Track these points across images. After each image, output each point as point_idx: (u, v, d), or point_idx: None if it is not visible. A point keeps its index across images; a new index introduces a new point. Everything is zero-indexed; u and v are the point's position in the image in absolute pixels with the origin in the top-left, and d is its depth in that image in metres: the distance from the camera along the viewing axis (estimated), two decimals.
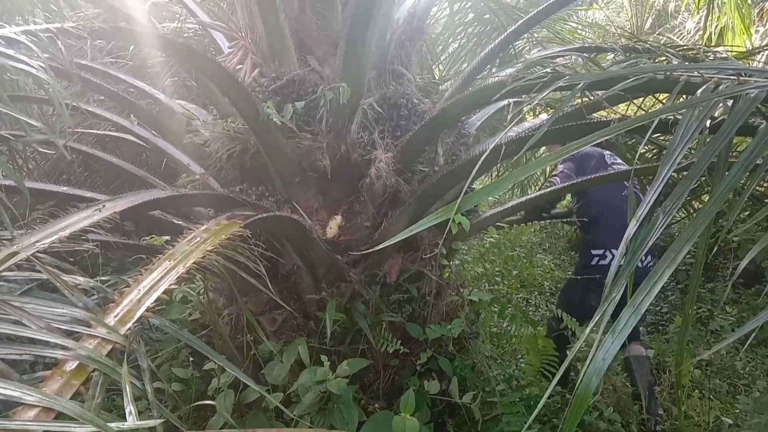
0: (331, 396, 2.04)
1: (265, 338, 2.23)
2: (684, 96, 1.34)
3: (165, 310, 3.08)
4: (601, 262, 3.45)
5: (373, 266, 2.44)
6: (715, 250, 4.44)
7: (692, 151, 1.46)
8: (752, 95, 1.03)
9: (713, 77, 1.14)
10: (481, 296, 2.64)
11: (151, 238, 2.41)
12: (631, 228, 1.01)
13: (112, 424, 0.73)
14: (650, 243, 0.98)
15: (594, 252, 3.48)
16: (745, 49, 5.28)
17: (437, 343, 2.49)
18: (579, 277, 3.49)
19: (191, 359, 2.61)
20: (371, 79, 2.52)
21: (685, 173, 1.11)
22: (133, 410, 0.77)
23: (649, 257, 3.47)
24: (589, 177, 2.63)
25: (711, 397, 3.39)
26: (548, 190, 2.76)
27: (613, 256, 3.37)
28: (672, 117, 1.37)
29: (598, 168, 3.51)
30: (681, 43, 7.15)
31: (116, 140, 3.47)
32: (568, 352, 2.76)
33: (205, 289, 2.78)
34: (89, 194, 2.26)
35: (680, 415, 3.03)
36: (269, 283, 2.42)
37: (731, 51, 4.97)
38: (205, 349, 1.14)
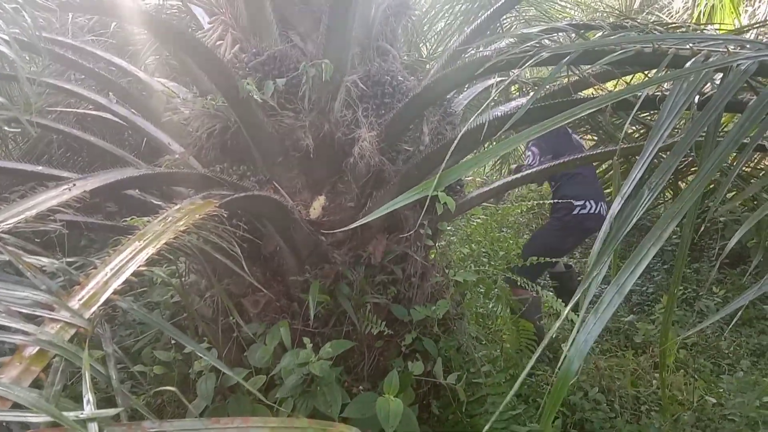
0: (314, 378, 2.01)
1: (243, 322, 2.20)
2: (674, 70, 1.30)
3: (147, 292, 3.05)
4: (582, 212, 3.90)
5: (357, 247, 2.41)
6: (701, 230, 4.51)
7: (679, 130, 1.43)
8: (743, 67, 1.00)
9: (703, 50, 1.11)
10: (467, 277, 2.63)
11: (132, 219, 2.36)
12: (616, 205, 0.98)
13: (70, 414, 0.70)
14: (635, 219, 0.95)
15: (576, 203, 3.89)
16: (733, 28, 5.25)
17: (422, 325, 2.47)
18: (560, 222, 3.98)
19: (173, 341, 2.57)
20: (355, 56, 2.46)
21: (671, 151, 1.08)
22: (91, 398, 0.73)
23: (602, 204, 3.96)
24: (574, 157, 2.62)
25: (695, 376, 3.41)
26: (536, 169, 2.75)
27: (591, 205, 3.90)
28: (660, 93, 1.34)
29: (564, 138, 4.03)
30: (670, 21, 7.10)
31: (99, 119, 3.39)
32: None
33: (186, 270, 2.73)
34: (65, 174, 2.20)
35: (664, 394, 3.05)
36: (252, 265, 2.39)
37: (720, 30, 4.94)
38: (177, 334, 1.10)
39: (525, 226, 6.10)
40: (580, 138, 4.68)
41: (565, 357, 0.83)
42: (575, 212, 3.90)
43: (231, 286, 2.44)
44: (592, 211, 3.90)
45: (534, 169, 2.75)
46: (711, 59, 1.07)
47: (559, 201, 3.92)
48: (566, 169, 3.81)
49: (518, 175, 2.82)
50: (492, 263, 3.30)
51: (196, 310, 2.55)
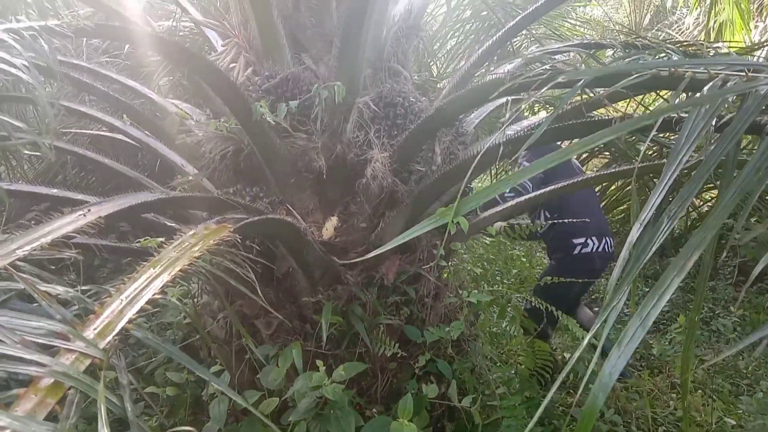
0: (327, 401, 1.99)
1: (255, 344, 2.19)
2: (689, 93, 1.30)
3: (159, 313, 3.04)
4: (584, 250, 3.39)
5: (370, 268, 2.39)
6: (723, 255, 4.41)
7: (695, 154, 1.41)
8: (762, 92, 0.99)
9: (720, 73, 1.10)
10: (480, 297, 2.60)
11: (145, 240, 2.36)
12: (635, 231, 0.97)
13: None
14: (655, 247, 0.93)
15: (576, 241, 3.41)
16: (745, 45, 5.23)
17: (436, 346, 2.45)
18: (562, 268, 3.42)
19: None
20: (367, 77, 2.47)
21: (688, 173, 1.07)
22: None
23: (607, 238, 3.48)
24: (591, 176, 2.59)
25: (714, 397, 3.35)
26: (545, 190, 2.71)
27: (594, 243, 3.38)
28: (675, 115, 1.33)
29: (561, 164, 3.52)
30: (681, 39, 7.10)
31: (112, 141, 3.43)
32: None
33: (199, 291, 2.73)
34: (80, 196, 2.22)
35: (685, 417, 2.99)
36: (265, 286, 2.38)
37: (731, 47, 4.92)
38: (188, 361, 1.09)
39: (538, 244, 6.06)
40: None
41: (591, 391, 0.81)
42: (575, 252, 3.40)
43: (244, 307, 2.44)
44: (596, 249, 3.40)
45: (540, 192, 2.69)
46: (729, 84, 1.06)
47: (556, 239, 3.50)
48: (569, 193, 3.40)
49: (528, 196, 2.79)
50: (505, 282, 3.27)
51: (209, 331, 2.54)
